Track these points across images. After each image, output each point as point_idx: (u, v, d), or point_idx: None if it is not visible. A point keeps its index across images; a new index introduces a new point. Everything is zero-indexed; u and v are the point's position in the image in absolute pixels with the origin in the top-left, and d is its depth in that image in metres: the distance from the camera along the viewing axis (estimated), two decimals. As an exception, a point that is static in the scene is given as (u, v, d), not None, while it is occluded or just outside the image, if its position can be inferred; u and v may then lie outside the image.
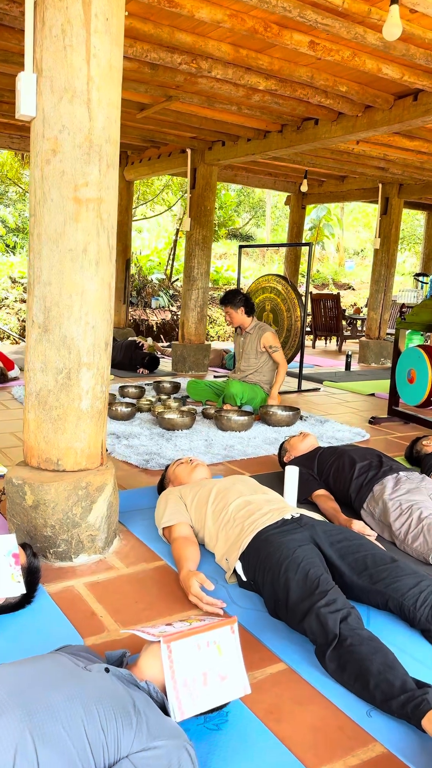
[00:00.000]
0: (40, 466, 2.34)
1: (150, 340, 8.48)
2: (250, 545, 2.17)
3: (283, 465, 3.51)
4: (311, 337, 10.65)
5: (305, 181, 7.61)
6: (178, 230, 14.24)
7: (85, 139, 2.17)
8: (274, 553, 2.05)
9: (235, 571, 2.22)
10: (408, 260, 21.65)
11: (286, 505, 2.41)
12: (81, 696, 1.26)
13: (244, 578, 2.18)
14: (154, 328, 11.65)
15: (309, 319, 10.64)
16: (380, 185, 8.43)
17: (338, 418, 5.17)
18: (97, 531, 2.36)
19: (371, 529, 2.72)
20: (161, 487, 2.91)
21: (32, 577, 2.00)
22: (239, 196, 22.71)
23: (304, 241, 12.58)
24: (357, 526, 2.60)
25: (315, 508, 3.03)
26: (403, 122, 4.65)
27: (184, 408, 4.85)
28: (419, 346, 4.65)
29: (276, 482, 3.38)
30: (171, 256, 14.44)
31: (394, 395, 5.06)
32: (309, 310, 10.45)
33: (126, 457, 3.68)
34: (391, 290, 8.83)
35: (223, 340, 12.44)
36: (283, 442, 3.57)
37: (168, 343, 10.22)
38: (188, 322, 7.23)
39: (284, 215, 24.00)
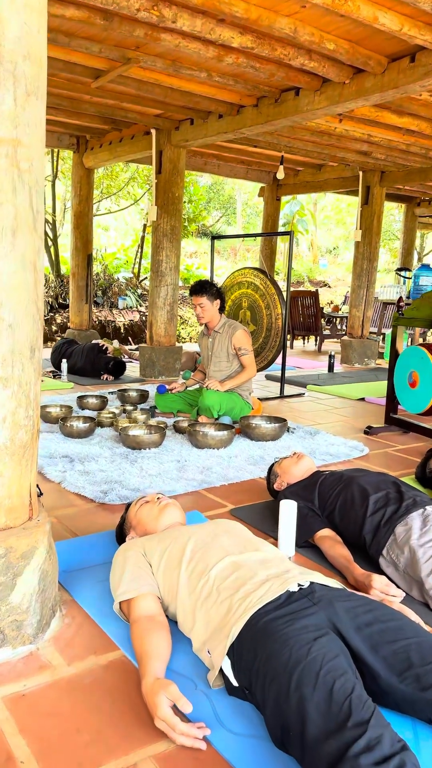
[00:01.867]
0: None
1: (115, 343, 7.76)
2: (243, 634, 1.51)
3: (273, 492, 2.87)
4: (289, 336, 10.06)
5: (281, 167, 6.98)
6: (145, 226, 13.52)
7: (-10, 52, 1.49)
8: (280, 653, 1.39)
9: (221, 670, 1.56)
10: (382, 256, 21.24)
11: (288, 566, 1.75)
12: None
13: (234, 683, 1.52)
14: (122, 330, 10.91)
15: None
16: (361, 173, 7.87)
17: (329, 429, 4.54)
18: (24, 614, 1.67)
19: (396, 586, 2.09)
20: (120, 534, 2.23)
21: None
22: (209, 192, 22.07)
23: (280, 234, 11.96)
24: (378, 582, 1.97)
25: (317, 551, 2.39)
26: (398, 87, 4.04)
27: (152, 422, 4.17)
28: (422, 345, 4.05)
29: (267, 516, 2.74)
30: (139, 254, 13.73)
31: (391, 401, 4.45)
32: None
33: (80, 489, 2.98)
34: (374, 285, 8.27)
35: (197, 342, 11.75)
36: (273, 465, 2.92)
37: (136, 346, 9.51)
38: (157, 322, 6.54)
39: (255, 213, 23.44)
